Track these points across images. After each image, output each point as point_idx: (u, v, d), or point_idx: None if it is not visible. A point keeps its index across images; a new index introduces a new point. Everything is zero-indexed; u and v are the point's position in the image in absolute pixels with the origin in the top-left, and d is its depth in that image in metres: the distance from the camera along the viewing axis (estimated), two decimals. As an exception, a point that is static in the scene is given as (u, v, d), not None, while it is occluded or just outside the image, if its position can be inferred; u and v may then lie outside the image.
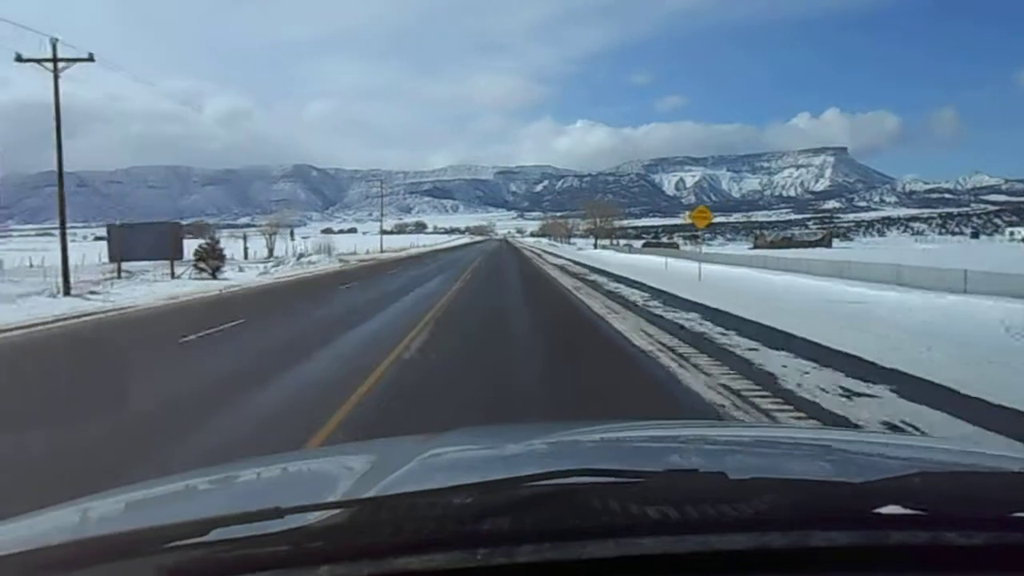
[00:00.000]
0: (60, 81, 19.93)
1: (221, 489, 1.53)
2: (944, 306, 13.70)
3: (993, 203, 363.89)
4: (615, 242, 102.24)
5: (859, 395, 6.85)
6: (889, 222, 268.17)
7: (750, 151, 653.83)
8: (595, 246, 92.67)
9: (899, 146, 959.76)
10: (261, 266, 36.21)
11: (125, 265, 27.07)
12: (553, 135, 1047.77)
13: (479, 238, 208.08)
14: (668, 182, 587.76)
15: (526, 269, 36.89)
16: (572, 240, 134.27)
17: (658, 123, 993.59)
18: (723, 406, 6.48)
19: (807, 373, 7.92)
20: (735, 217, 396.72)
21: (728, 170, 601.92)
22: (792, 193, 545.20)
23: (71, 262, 34.64)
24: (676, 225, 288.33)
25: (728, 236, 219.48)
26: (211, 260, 28.13)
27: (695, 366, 8.40)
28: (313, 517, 0.96)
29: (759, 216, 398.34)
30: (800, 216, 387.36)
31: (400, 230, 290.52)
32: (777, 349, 9.59)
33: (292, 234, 60.63)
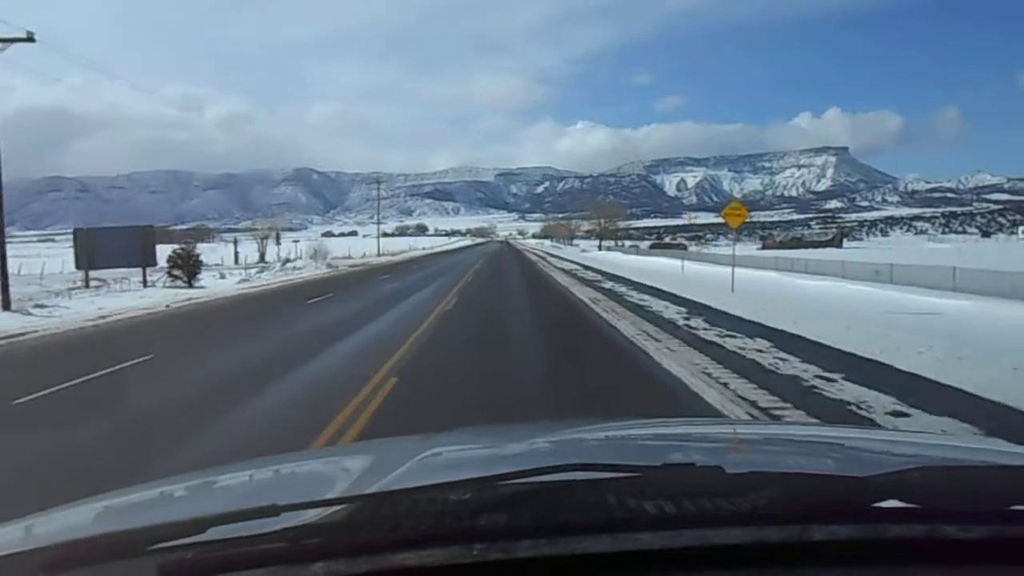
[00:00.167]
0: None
1: (219, 489, 1.53)
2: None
3: (995, 202, 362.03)
4: (620, 243, 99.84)
5: None
6: (892, 222, 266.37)
7: (751, 151, 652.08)
8: (599, 247, 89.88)
9: (901, 146, 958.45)
10: (244, 272, 33.41)
11: (103, 273, 25.12)
12: (554, 136, 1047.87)
13: (480, 240, 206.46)
14: (669, 183, 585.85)
15: (530, 274, 33.22)
16: (575, 242, 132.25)
17: (659, 124, 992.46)
18: None
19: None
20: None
21: (729, 170, 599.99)
22: (794, 193, 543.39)
23: (48, 270, 33.34)
24: (678, 226, 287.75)
25: (731, 236, 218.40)
26: (187, 267, 25.95)
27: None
28: (310, 515, 0.96)
29: (761, 216, 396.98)
30: (802, 216, 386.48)
31: (401, 233, 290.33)
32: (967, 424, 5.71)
33: (278, 238, 57.60)
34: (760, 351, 9.65)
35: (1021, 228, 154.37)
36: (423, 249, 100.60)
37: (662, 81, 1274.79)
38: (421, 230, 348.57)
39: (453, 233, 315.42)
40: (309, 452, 3.88)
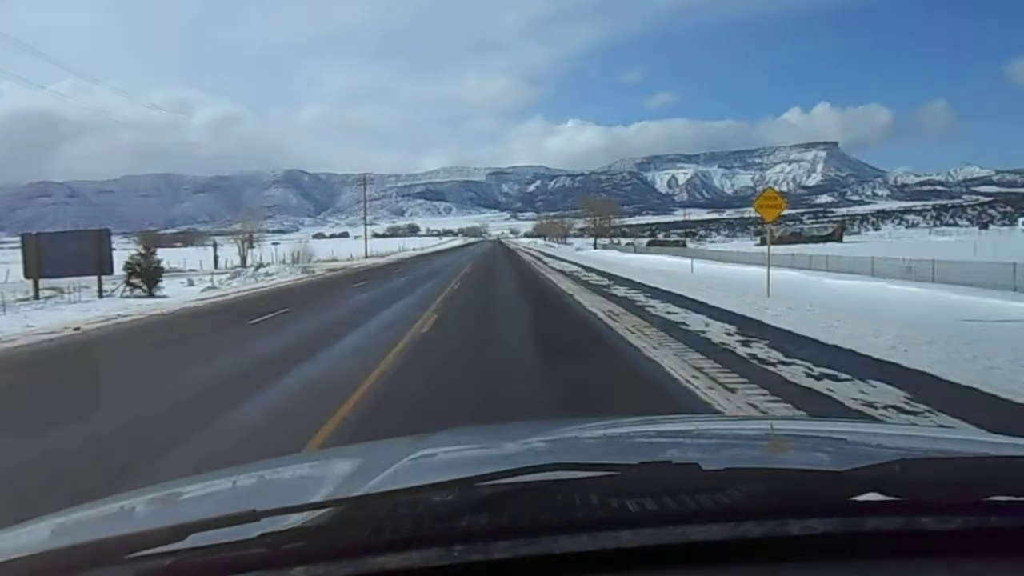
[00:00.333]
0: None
1: (201, 496, 1.53)
2: None
3: (985, 194, 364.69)
4: (616, 241, 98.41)
5: None
6: (883, 215, 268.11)
7: (741, 147, 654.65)
8: (595, 246, 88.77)
9: (890, 139, 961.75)
10: (212, 279, 31.08)
11: (61, 282, 22.73)
12: (544, 135, 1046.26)
13: (472, 240, 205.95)
14: (660, 180, 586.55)
15: (526, 277, 30.08)
16: (569, 240, 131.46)
17: (649, 121, 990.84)
18: None
19: None
20: (728, 213, 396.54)
21: (720, 167, 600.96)
22: (784, 188, 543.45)
23: (8, 278, 30.80)
24: (670, 223, 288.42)
25: (724, 232, 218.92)
26: (146, 274, 23.44)
27: None
28: (290, 519, 0.96)
29: (752, 212, 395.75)
30: (794, 211, 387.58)
31: (393, 233, 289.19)
32: None
33: (251, 240, 54.13)
34: (895, 398, 6.77)
35: (1022, 220, 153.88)
36: (413, 250, 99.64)
37: (652, 78, 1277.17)
38: (413, 230, 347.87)
39: (445, 233, 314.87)
40: (297, 456, 3.83)
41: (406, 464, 1.44)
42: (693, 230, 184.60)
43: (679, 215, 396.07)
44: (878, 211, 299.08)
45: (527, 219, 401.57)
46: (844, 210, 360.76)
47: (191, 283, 29.04)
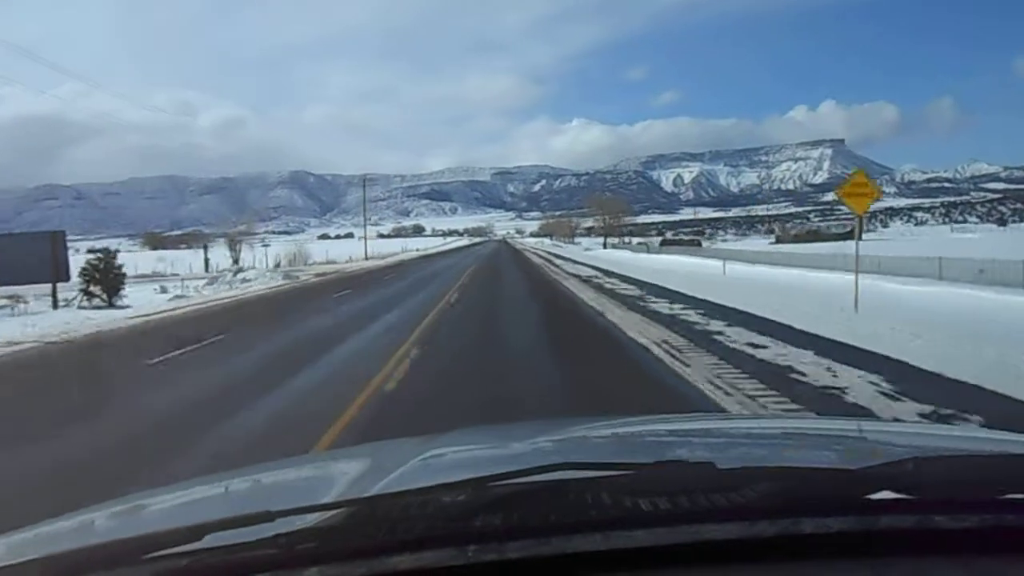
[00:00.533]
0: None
1: (215, 497, 1.53)
2: None
3: (993, 191, 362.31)
4: (626, 241, 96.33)
5: None
6: (891, 212, 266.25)
7: (747, 145, 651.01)
8: (605, 246, 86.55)
9: (896, 136, 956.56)
10: (182, 286, 28.77)
11: (28, 289, 20.67)
12: (549, 134, 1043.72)
13: (477, 240, 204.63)
14: (666, 178, 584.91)
15: (538, 284, 26.25)
16: (576, 240, 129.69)
17: (654, 119, 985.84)
18: None
19: None
20: (734, 212, 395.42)
21: (725, 165, 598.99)
22: (791, 186, 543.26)
23: None
24: (677, 221, 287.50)
25: (732, 231, 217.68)
26: (105, 282, 21.20)
27: None
28: (304, 520, 0.97)
29: (759, 210, 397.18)
30: (800, 209, 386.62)
31: (398, 234, 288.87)
32: None
33: (234, 243, 52.12)
34: None
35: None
36: (417, 251, 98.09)
37: (657, 77, 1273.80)
38: (418, 231, 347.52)
39: (450, 233, 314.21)
40: (308, 457, 3.82)
41: (416, 465, 1.44)
42: (701, 229, 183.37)
43: (685, 214, 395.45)
44: (886, 208, 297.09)
45: (532, 219, 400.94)
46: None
47: (163, 290, 27.05)
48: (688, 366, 8.95)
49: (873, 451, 1.49)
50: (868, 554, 0.90)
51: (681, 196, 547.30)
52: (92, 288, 21.34)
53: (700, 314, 14.61)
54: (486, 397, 7.60)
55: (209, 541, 0.90)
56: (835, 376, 8.21)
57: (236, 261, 46.26)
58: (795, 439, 1.71)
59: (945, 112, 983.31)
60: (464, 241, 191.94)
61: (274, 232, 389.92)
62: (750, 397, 7.31)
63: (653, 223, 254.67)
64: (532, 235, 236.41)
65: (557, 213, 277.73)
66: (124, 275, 22.69)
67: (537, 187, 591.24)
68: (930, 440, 1.65)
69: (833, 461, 1.41)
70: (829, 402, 7.09)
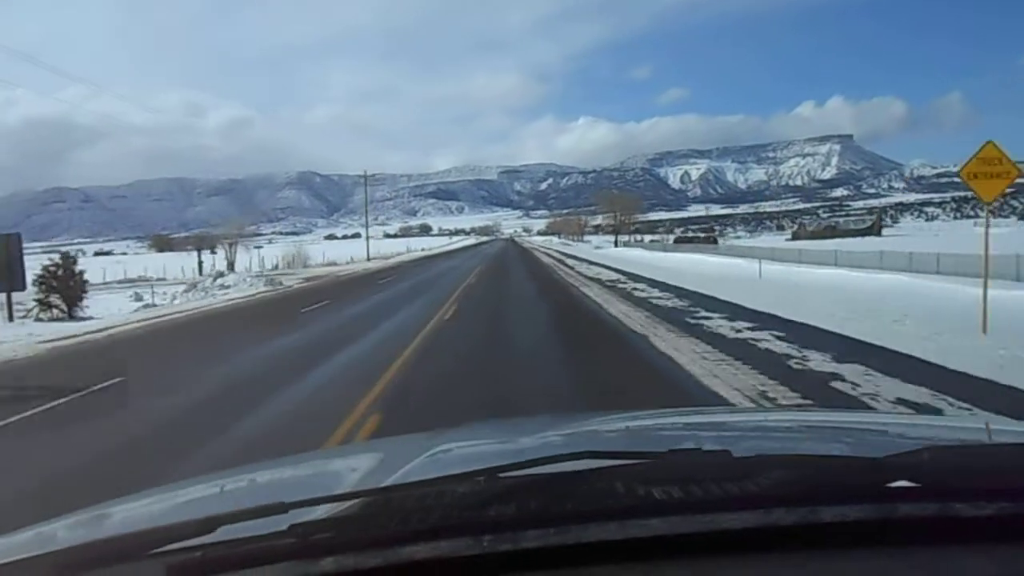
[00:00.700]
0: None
1: (228, 491, 1.53)
2: None
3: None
4: (639, 239, 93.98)
5: None
6: (901, 208, 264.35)
7: (754, 141, 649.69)
8: (616, 244, 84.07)
9: (905, 131, 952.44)
10: (152, 294, 26.42)
11: None
12: (556, 133, 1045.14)
13: (484, 239, 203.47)
14: (673, 176, 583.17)
15: (553, 291, 21.44)
16: (586, 238, 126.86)
17: (661, 117, 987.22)
18: None
19: None
20: (742, 208, 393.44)
21: (733, 161, 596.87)
22: (799, 182, 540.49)
23: None
24: (686, 218, 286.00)
25: (741, 228, 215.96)
26: (64, 291, 19.27)
27: None
28: (318, 511, 0.97)
29: (766, 207, 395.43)
30: (809, 205, 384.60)
31: (405, 233, 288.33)
32: None
33: (211, 247, 49.71)
34: None
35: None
36: (422, 250, 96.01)
37: (662, 74, 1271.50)
38: (425, 230, 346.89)
39: (456, 232, 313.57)
40: (319, 452, 3.78)
41: (427, 458, 1.43)
42: (710, 225, 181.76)
43: (692, 211, 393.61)
44: (896, 204, 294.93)
45: (539, 217, 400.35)
46: (860, 203, 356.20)
47: (139, 298, 24.85)
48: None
49: (888, 441, 1.49)
50: (886, 543, 0.89)
51: (688, 193, 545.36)
52: (51, 298, 19.29)
53: (783, 340, 10.46)
54: None
55: (224, 533, 0.90)
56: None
57: (231, 264, 44.48)
58: (809, 430, 1.71)
59: (954, 107, 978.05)
60: (471, 240, 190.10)
61: (282, 233, 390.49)
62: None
63: (661, 220, 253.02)
64: (539, 233, 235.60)
65: (564, 211, 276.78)
66: (86, 283, 20.69)
67: (544, 185, 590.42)
68: (944, 431, 1.65)
69: (849, 450, 1.40)
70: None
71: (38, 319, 18.85)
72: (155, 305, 22.94)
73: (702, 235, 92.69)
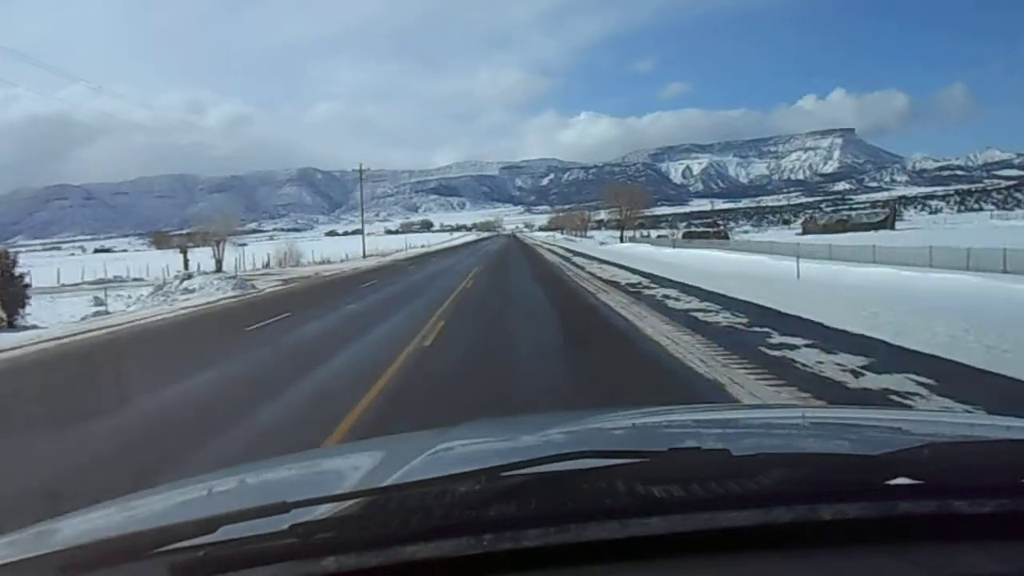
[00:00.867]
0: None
1: (231, 490, 1.54)
2: None
3: (1007, 178, 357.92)
4: (645, 234, 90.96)
5: None
6: (905, 201, 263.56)
7: (756, 136, 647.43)
8: (622, 239, 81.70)
9: (907, 124, 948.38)
10: (105, 298, 24.22)
11: None
12: (557, 128, 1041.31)
13: (485, 235, 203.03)
14: (675, 170, 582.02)
15: (567, 303, 17.12)
16: (589, 233, 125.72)
17: (662, 111, 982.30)
18: None
19: None
20: (744, 203, 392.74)
21: (735, 156, 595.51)
22: (801, 176, 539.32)
23: None
24: (688, 213, 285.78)
25: (744, 222, 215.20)
26: (3, 296, 17.41)
27: None
28: (320, 511, 0.97)
29: (769, 201, 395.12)
30: (811, 199, 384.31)
31: (407, 229, 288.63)
32: None
33: (183, 249, 45.91)
34: None
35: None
36: (422, 247, 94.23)
37: (664, 69, 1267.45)
38: (426, 226, 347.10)
39: (458, 228, 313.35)
40: (320, 451, 3.76)
41: (429, 456, 1.43)
42: (714, 220, 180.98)
43: (695, 205, 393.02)
44: (899, 197, 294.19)
45: (541, 212, 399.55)
46: (863, 197, 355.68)
47: (99, 303, 22.93)
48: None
49: (887, 438, 1.48)
50: (886, 540, 0.89)
51: (690, 188, 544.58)
52: None
53: (921, 385, 6.68)
54: None
55: (226, 532, 0.90)
56: None
57: (219, 263, 42.63)
58: (809, 428, 1.71)
59: (957, 99, 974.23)
60: (471, 236, 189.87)
61: (283, 229, 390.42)
62: None
63: (663, 215, 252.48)
64: (541, 229, 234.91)
65: (566, 207, 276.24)
66: (27, 286, 18.74)
67: (546, 181, 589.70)
68: (943, 428, 1.64)
69: (848, 448, 1.40)
70: None
71: None
72: (108, 313, 20.73)
73: (711, 230, 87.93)
